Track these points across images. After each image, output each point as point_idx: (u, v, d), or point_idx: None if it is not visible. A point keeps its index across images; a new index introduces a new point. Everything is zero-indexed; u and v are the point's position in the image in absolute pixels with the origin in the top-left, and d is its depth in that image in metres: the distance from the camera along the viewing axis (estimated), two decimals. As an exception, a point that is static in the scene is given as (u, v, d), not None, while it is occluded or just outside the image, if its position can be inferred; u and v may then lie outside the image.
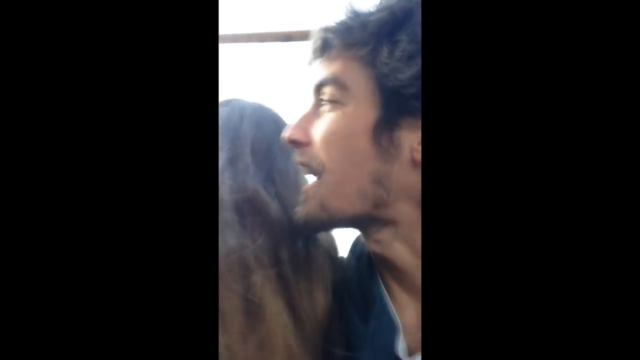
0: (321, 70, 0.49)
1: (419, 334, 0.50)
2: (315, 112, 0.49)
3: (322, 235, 0.56)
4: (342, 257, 0.59)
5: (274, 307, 0.48)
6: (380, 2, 0.47)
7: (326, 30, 0.48)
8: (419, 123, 0.44)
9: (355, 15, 0.47)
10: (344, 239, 0.60)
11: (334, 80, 0.47)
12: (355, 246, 0.58)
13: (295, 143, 0.49)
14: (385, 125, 0.45)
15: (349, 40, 0.47)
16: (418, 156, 0.45)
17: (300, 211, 0.50)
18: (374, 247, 0.51)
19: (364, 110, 0.46)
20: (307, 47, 0.51)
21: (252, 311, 0.46)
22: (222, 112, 0.56)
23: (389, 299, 0.52)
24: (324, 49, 0.49)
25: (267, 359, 0.46)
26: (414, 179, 0.46)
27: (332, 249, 0.58)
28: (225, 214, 0.48)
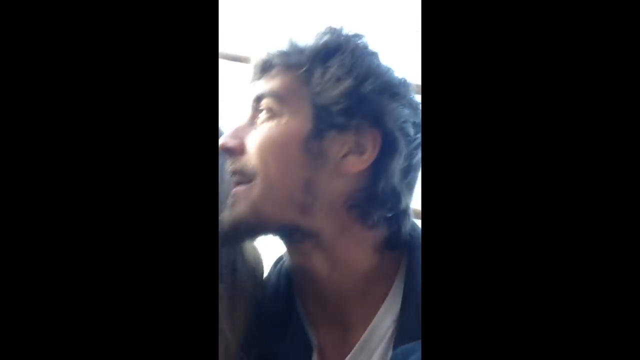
0: (261, 85, 0.53)
1: (334, 351, 0.52)
2: (251, 123, 0.53)
3: (249, 253, 0.57)
4: (265, 277, 0.59)
5: None
6: (316, 37, 0.52)
7: (268, 52, 0.53)
8: (344, 137, 0.50)
9: (294, 44, 0.52)
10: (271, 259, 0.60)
11: (272, 94, 0.51)
12: (277, 265, 0.59)
13: (228, 150, 0.52)
14: (315, 137, 0.50)
15: (288, 62, 0.52)
16: (342, 167, 0.50)
17: (227, 215, 0.51)
18: (295, 259, 0.53)
19: (298, 121, 0.50)
20: (250, 67, 0.54)
21: None
22: None
23: (305, 317, 0.54)
24: (265, 68, 0.53)
25: None
26: (338, 188, 0.51)
27: (258, 268, 0.58)
28: None
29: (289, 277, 0.56)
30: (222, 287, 0.50)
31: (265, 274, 0.59)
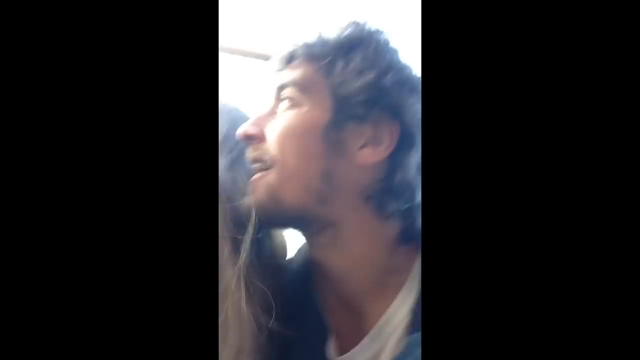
0: (284, 75, 0.54)
1: (348, 339, 0.53)
2: (272, 113, 0.54)
3: (277, 237, 0.59)
4: (287, 260, 0.61)
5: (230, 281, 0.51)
6: (339, 30, 0.54)
7: (293, 44, 0.54)
8: (363, 128, 0.51)
9: (319, 36, 0.54)
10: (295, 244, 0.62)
11: (294, 83, 0.52)
12: (300, 251, 0.61)
13: (249, 138, 0.53)
14: (334, 127, 0.51)
15: (312, 53, 0.53)
16: (359, 158, 0.51)
17: (248, 201, 0.53)
18: (313, 249, 0.54)
19: (318, 111, 0.51)
20: (275, 57, 0.56)
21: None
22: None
23: (321, 304, 0.56)
24: (289, 59, 0.54)
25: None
26: (356, 179, 0.51)
27: (281, 250, 0.60)
28: None
29: (308, 265, 0.58)
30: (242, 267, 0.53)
31: (288, 258, 0.61)
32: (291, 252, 0.62)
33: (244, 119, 0.59)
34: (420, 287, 0.51)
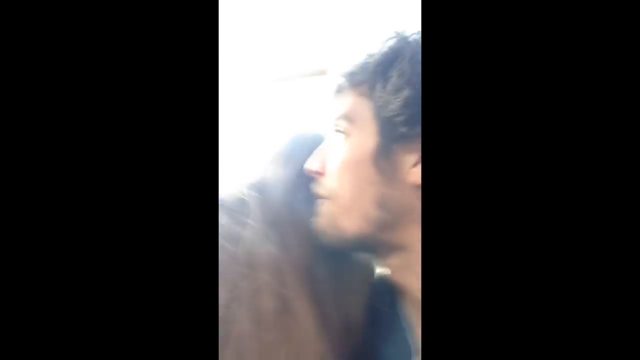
0: (335, 108, 0.54)
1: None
2: (331, 145, 0.55)
3: (358, 257, 0.59)
4: (373, 281, 0.61)
5: (303, 307, 0.52)
6: (379, 46, 0.52)
7: (339, 76, 0.54)
8: (412, 146, 0.49)
9: (358, 61, 0.53)
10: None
11: (342, 116, 0.53)
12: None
13: (313, 173, 0.55)
14: (384, 150, 0.50)
15: (355, 81, 0.53)
16: (412, 178, 0.50)
17: (318, 222, 0.55)
18: (391, 271, 0.54)
19: (365, 138, 0.51)
20: (325, 92, 0.57)
21: (283, 304, 0.52)
22: (290, 140, 0.63)
23: (407, 324, 0.55)
24: (337, 91, 0.55)
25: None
26: (413, 200, 0.49)
27: (368, 270, 0.61)
28: (264, 226, 0.55)
29: (391, 285, 0.58)
30: (329, 288, 0.55)
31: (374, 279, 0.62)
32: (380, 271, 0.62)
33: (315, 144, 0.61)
34: None
